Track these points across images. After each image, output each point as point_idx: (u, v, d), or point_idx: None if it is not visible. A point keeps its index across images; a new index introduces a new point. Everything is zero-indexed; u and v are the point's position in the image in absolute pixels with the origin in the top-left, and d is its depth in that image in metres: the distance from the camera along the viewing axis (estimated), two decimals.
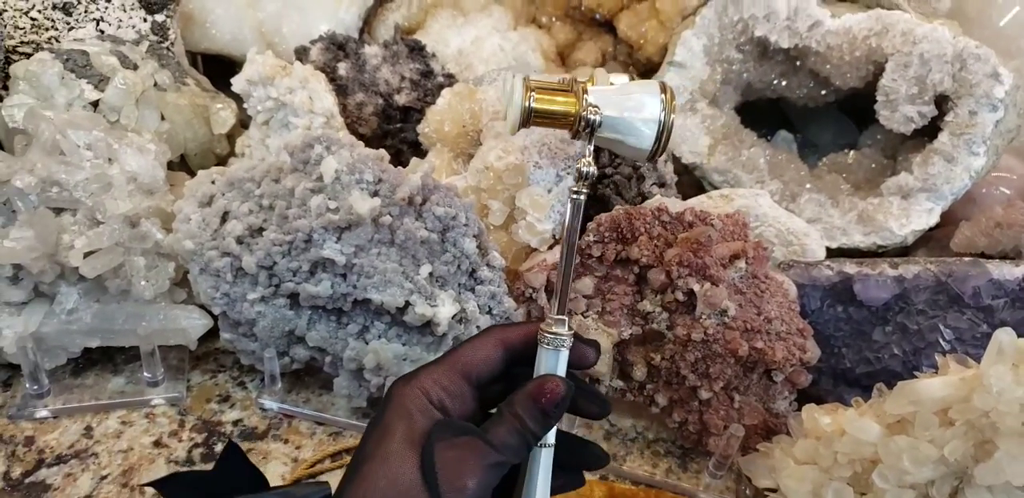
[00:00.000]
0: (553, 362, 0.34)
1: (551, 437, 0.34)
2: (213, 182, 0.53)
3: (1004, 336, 0.45)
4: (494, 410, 0.34)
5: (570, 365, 0.34)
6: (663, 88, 0.34)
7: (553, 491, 0.35)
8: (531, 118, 0.33)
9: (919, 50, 0.62)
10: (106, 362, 0.58)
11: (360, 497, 0.30)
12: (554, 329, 0.34)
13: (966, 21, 0.70)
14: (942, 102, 0.64)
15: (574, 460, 0.36)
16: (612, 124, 0.33)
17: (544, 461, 0.34)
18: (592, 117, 0.33)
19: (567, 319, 0.34)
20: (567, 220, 0.34)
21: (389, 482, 0.30)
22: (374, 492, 0.30)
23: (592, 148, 0.33)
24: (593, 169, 0.32)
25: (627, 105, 0.34)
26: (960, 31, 0.63)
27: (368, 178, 0.51)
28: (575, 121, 0.33)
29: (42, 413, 0.53)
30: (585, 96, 0.33)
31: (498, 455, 0.31)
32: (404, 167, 0.67)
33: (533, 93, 0.32)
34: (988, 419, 0.44)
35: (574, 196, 0.33)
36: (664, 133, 0.33)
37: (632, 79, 0.37)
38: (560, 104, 0.33)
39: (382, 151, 0.52)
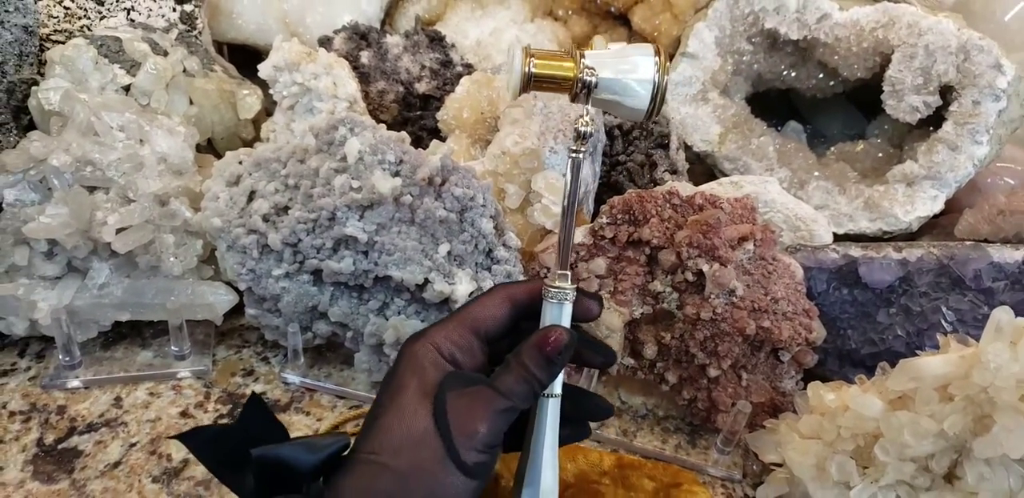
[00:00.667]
0: (557, 315, 0.35)
1: (557, 387, 0.36)
2: (240, 162, 0.55)
3: (1002, 315, 0.47)
4: None
5: (575, 318, 0.36)
6: (657, 50, 0.34)
7: (561, 441, 0.36)
8: (531, 82, 0.33)
9: (924, 42, 0.64)
10: (135, 336, 0.60)
11: (376, 446, 0.32)
12: (557, 283, 0.35)
13: (971, 15, 0.71)
14: (947, 92, 0.65)
15: (580, 411, 0.38)
16: (608, 85, 0.34)
17: (552, 410, 0.36)
18: (588, 78, 0.33)
19: (569, 273, 0.35)
20: (566, 178, 0.35)
21: (403, 431, 0.32)
22: (389, 441, 0.32)
23: (590, 108, 0.34)
24: (591, 129, 0.34)
25: (622, 67, 0.34)
26: (964, 24, 0.65)
27: (390, 159, 0.53)
28: (573, 84, 0.34)
29: (74, 383, 0.55)
30: (582, 59, 0.34)
31: (506, 401, 0.33)
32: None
33: (532, 59, 0.33)
34: (986, 395, 0.46)
35: (573, 155, 0.34)
36: (659, 93, 0.34)
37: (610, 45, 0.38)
38: (558, 69, 0.34)
39: (403, 133, 0.54)
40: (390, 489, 0.31)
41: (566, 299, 0.35)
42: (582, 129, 0.34)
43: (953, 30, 0.64)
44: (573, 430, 0.38)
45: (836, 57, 0.67)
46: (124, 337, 0.59)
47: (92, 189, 0.54)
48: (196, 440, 0.33)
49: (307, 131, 0.53)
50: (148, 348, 0.59)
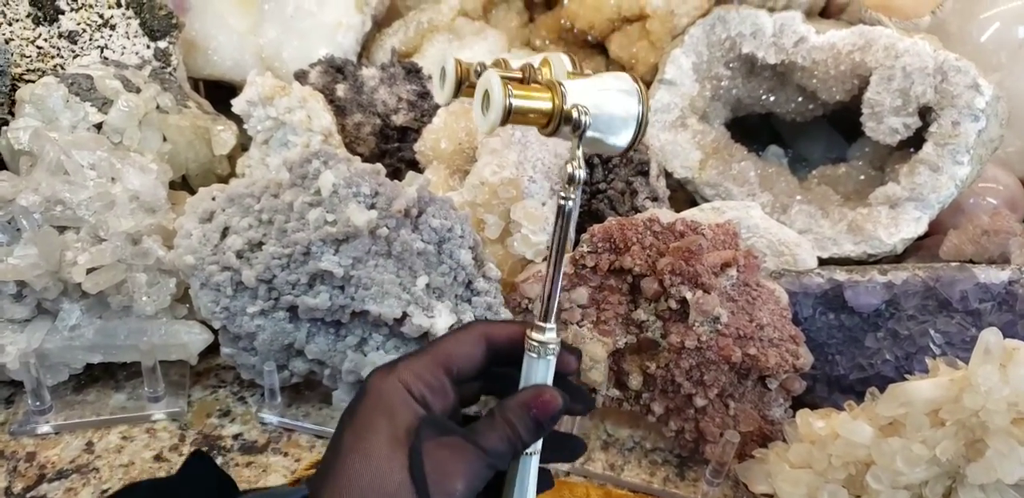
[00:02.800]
0: (543, 371, 0.33)
1: (538, 444, 0.33)
2: (214, 198, 0.54)
3: (990, 336, 0.46)
4: (472, 408, 0.34)
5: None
6: (635, 79, 0.33)
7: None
8: (510, 116, 0.31)
9: (901, 63, 0.64)
10: (107, 378, 0.58)
11: (341, 494, 0.29)
12: (543, 338, 0.33)
13: (947, 37, 0.72)
14: (926, 113, 0.65)
15: (556, 455, 0.36)
16: (595, 124, 0.32)
17: (531, 469, 0.33)
18: (583, 118, 0.31)
19: (555, 327, 0.33)
20: (555, 226, 0.32)
21: (374, 482, 0.29)
22: (355, 489, 0.29)
23: (580, 150, 0.32)
24: (583, 172, 0.31)
25: (606, 103, 0.32)
26: (940, 45, 0.65)
27: (365, 191, 0.52)
28: (554, 119, 0.31)
29: (44, 429, 0.54)
30: (563, 92, 0.31)
31: (487, 459, 0.31)
32: None
33: (510, 89, 0.31)
34: (978, 418, 0.45)
35: (562, 201, 0.31)
36: (642, 128, 0.32)
37: (576, 65, 0.35)
38: (539, 100, 0.31)
39: (379, 165, 0.53)
40: None
41: (551, 354, 0.33)
42: (575, 173, 0.31)
43: (930, 51, 0.64)
44: (540, 480, 0.35)
45: (814, 80, 0.67)
46: (96, 379, 0.58)
47: (62, 229, 0.53)
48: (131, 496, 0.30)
49: (281, 165, 0.53)
50: (121, 390, 0.57)
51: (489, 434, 0.32)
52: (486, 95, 0.31)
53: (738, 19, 0.68)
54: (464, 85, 0.34)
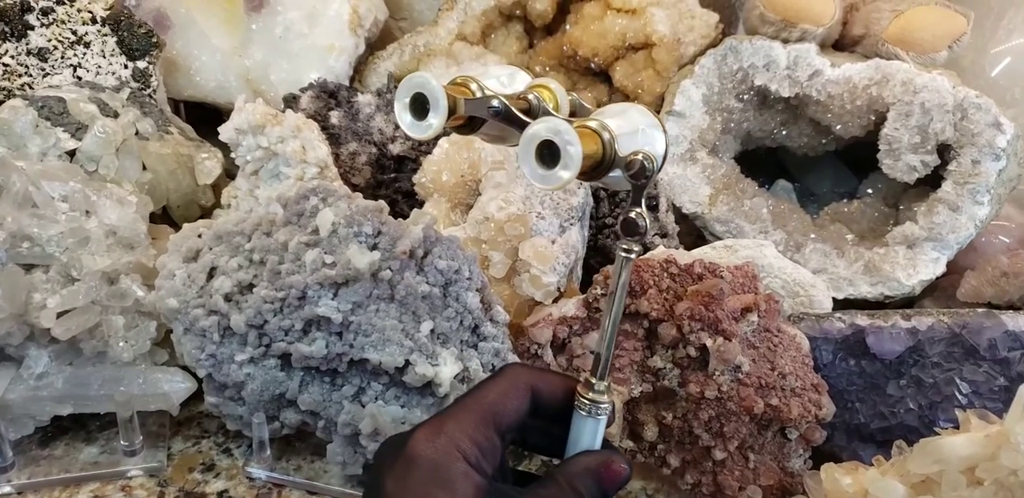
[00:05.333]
0: (592, 431, 0.32)
1: None
2: (199, 236, 0.50)
3: None
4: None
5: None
6: (653, 111, 0.31)
7: None
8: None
9: (920, 99, 0.62)
10: (78, 429, 0.53)
11: None
12: (596, 397, 0.31)
13: (960, 72, 0.70)
14: (944, 151, 0.64)
15: None
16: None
17: None
18: (647, 165, 0.28)
19: (607, 384, 0.32)
20: (614, 280, 0.30)
21: None
22: None
23: (654, 192, 0.30)
24: (648, 222, 0.29)
25: (645, 142, 0.30)
26: (959, 81, 0.63)
27: (367, 231, 0.48)
28: (604, 165, 0.29)
29: (5, 489, 0.48)
30: (611, 135, 0.29)
31: None
32: (399, 217, 0.64)
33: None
34: (1017, 477, 0.43)
35: (624, 254, 0.30)
36: (664, 163, 0.30)
37: (569, 94, 0.33)
38: (589, 145, 0.28)
39: (382, 203, 0.49)
40: None
41: (603, 413, 0.32)
42: (639, 222, 0.29)
43: (949, 88, 0.62)
44: None
45: (829, 115, 0.65)
46: (65, 431, 0.53)
47: (29, 267, 0.48)
48: None
49: (273, 200, 0.48)
50: (93, 443, 0.52)
51: None
52: (552, 146, 0.28)
53: (751, 50, 0.65)
54: (453, 115, 0.31)
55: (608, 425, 0.33)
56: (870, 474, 0.49)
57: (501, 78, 0.34)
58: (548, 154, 0.28)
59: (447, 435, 0.29)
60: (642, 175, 0.28)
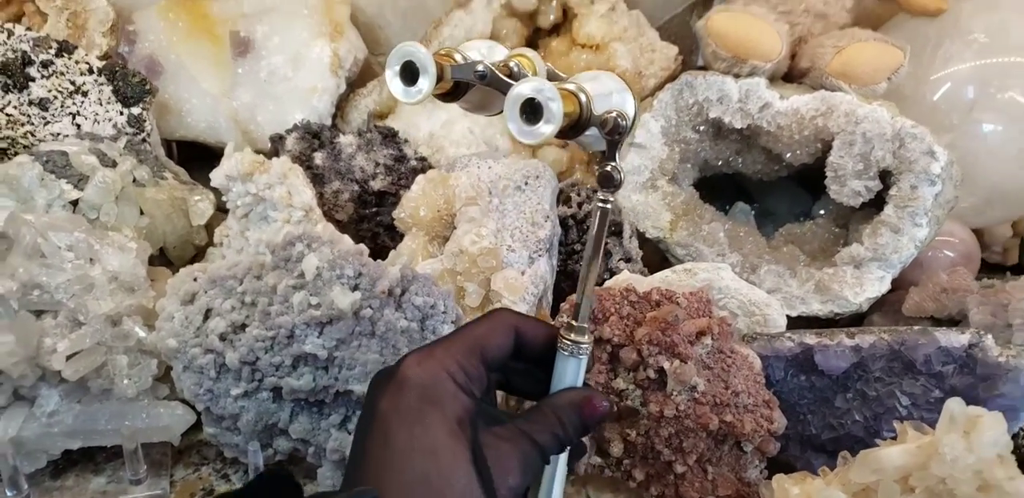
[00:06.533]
0: (574, 370, 0.35)
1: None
2: (195, 279, 0.54)
3: (955, 405, 0.48)
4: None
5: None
6: (623, 78, 0.33)
7: None
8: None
9: (862, 129, 0.67)
10: (86, 461, 0.57)
11: (413, 494, 0.28)
12: (577, 337, 0.34)
13: (902, 99, 0.75)
14: (886, 176, 0.68)
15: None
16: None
17: (562, 465, 0.35)
18: (622, 123, 0.31)
19: (587, 327, 0.34)
20: (593, 229, 0.33)
21: (442, 479, 0.28)
22: (428, 489, 0.28)
23: (618, 161, 0.33)
24: (622, 175, 0.32)
25: (613, 102, 0.33)
26: (897, 111, 0.68)
27: (348, 273, 0.52)
28: (581, 124, 0.32)
29: None
30: (588, 97, 0.32)
31: (539, 454, 0.31)
32: (381, 249, 0.69)
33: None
34: (945, 485, 0.47)
35: (601, 204, 0.33)
36: (635, 125, 0.33)
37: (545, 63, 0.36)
38: (569, 105, 0.31)
39: (362, 246, 0.54)
40: None
41: (584, 354, 0.34)
42: (616, 176, 0.32)
43: (887, 118, 0.67)
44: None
45: (780, 144, 0.70)
46: (75, 463, 0.57)
47: (39, 313, 0.53)
48: None
49: (262, 244, 0.53)
50: (101, 473, 0.57)
51: (541, 429, 0.32)
52: (534, 104, 0.30)
53: (705, 85, 0.70)
54: (441, 81, 0.33)
55: (588, 369, 0.36)
56: (816, 484, 0.54)
57: (481, 50, 0.37)
58: (531, 112, 0.31)
59: (436, 359, 0.31)
60: (616, 131, 0.31)
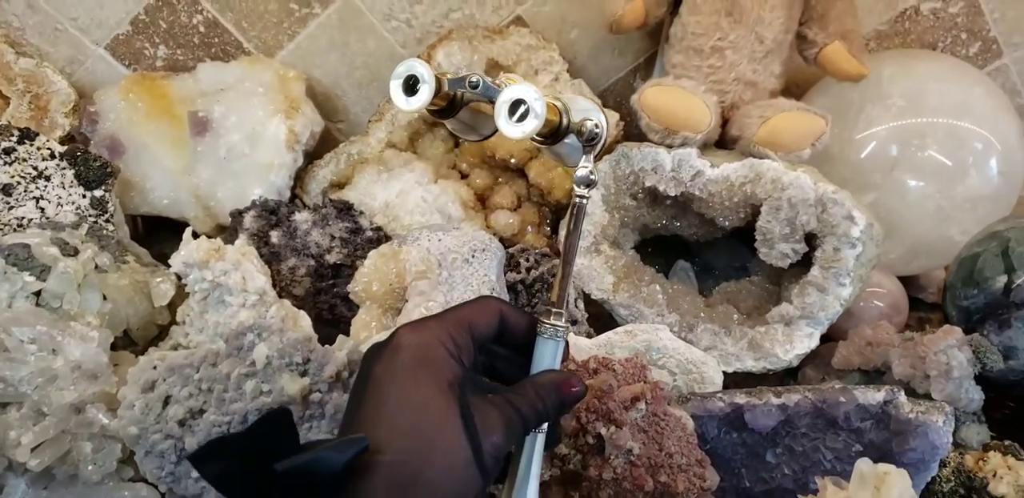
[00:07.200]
0: (551, 353, 0.38)
1: (545, 424, 0.38)
2: (155, 367, 0.57)
3: (863, 466, 0.53)
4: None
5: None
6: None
7: None
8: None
9: (787, 195, 0.71)
10: None
11: (400, 444, 0.30)
12: (555, 321, 0.37)
13: (829, 159, 0.79)
14: (811, 238, 0.72)
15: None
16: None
17: (539, 445, 0.38)
18: (598, 131, 0.36)
19: (565, 312, 0.38)
20: (570, 221, 0.38)
21: (433, 430, 0.30)
22: (418, 438, 0.30)
23: (590, 162, 0.37)
24: (597, 177, 0.38)
25: (588, 116, 0.37)
26: (820, 177, 0.72)
27: (297, 360, 0.56)
28: (561, 131, 0.36)
29: None
30: (566, 107, 0.36)
31: (521, 421, 0.33)
32: (339, 319, 0.72)
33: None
34: None
35: (578, 199, 0.37)
36: (607, 139, 0.37)
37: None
38: (551, 113, 0.35)
39: (311, 333, 0.57)
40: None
41: (562, 337, 0.37)
42: (593, 177, 0.37)
43: (810, 184, 0.71)
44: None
45: (712, 210, 0.74)
46: None
47: (4, 405, 0.56)
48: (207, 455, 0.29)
49: (217, 336, 0.56)
50: None
51: (524, 402, 0.35)
52: (521, 104, 0.34)
53: (640, 156, 0.74)
54: (439, 93, 0.37)
55: (564, 357, 0.39)
56: None
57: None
58: (519, 114, 0.35)
59: (429, 329, 0.34)
60: (591, 138, 0.36)
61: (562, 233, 0.66)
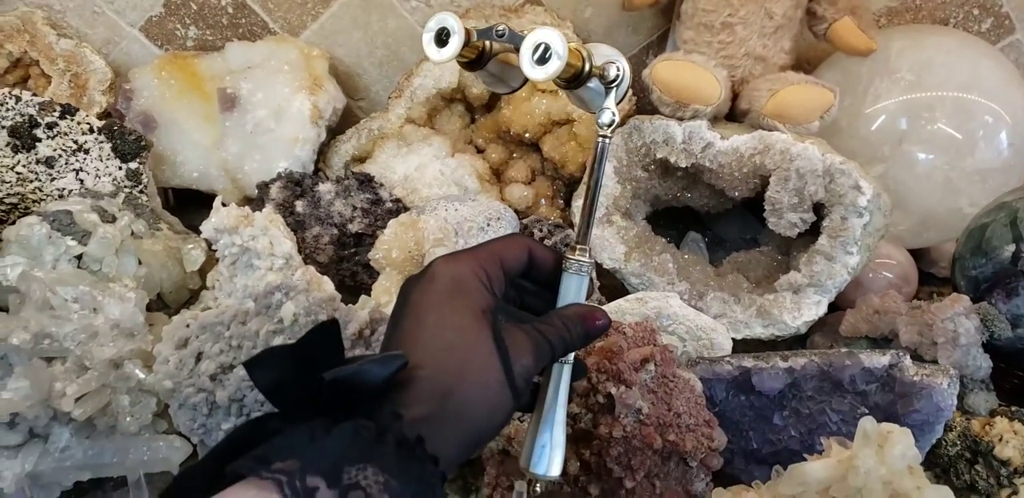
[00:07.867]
0: (576, 287, 0.39)
1: (571, 356, 0.39)
2: (188, 326, 0.61)
3: (867, 424, 0.54)
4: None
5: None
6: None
7: None
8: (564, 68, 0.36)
9: (795, 166, 0.73)
10: (96, 490, 0.64)
11: (436, 363, 0.31)
12: (580, 257, 0.39)
13: (838, 131, 0.81)
14: (819, 208, 0.74)
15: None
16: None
17: (566, 376, 0.40)
18: (621, 72, 0.38)
19: (589, 248, 0.39)
20: (594, 160, 0.39)
21: (467, 350, 0.32)
22: (453, 362, 0.32)
23: (614, 106, 0.39)
24: (618, 117, 0.38)
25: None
26: (828, 148, 0.74)
27: (322, 317, 0.59)
28: (583, 73, 0.37)
29: None
30: (588, 52, 0.38)
31: (548, 348, 0.35)
32: (361, 286, 0.75)
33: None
34: (861, 495, 0.53)
35: (600, 139, 0.38)
36: (629, 88, 0.39)
37: None
38: (573, 56, 0.37)
39: (335, 293, 0.60)
40: (457, 412, 0.31)
41: (586, 272, 0.39)
42: (615, 119, 0.38)
43: (818, 155, 0.72)
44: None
45: (721, 181, 0.76)
46: (85, 492, 0.63)
47: (50, 360, 0.59)
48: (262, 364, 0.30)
49: (247, 296, 0.59)
50: None
51: (552, 331, 0.36)
52: (545, 48, 0.36)
53: (651, 128, 0.76)
54: (468, 44, 0.38)
55: (589, 292, 0.40)
56: (749, 495, 0.60)
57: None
58: (542, 57, 0.36)
59: (463, 261, 0.35)
60: (613, 79, 0.38)
61: (582, 188, 0.67)
